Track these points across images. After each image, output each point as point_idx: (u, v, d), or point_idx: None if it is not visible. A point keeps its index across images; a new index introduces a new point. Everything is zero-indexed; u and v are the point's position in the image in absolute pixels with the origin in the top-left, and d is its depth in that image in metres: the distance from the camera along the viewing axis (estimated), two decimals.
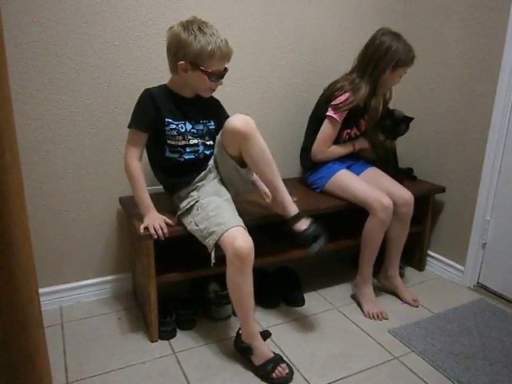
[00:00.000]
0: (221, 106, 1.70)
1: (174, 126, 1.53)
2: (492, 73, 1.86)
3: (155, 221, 1.48)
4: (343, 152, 1.96)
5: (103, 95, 1.71)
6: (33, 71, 1.58)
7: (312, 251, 1.48)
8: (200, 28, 1.43)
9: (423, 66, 2.17)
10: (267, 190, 1.61)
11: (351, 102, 1.82)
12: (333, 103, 1.84)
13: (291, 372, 1.44)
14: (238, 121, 1.42)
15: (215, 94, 1.62)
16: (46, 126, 1.65)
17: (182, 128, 1.55)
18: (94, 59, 1.66)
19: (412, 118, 1.97)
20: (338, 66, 1.92)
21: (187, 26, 1.45)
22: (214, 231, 1.40)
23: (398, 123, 1.95)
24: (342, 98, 1.83)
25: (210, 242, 1.41)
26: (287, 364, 1.45)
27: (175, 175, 1.57)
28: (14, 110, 0.48)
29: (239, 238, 1.36)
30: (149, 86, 1.55)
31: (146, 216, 1.51)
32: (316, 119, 1.94)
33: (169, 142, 1.53)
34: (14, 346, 0.49)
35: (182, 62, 1.46)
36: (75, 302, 1.85)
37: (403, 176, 2.07)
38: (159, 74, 1.76)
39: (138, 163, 1.53)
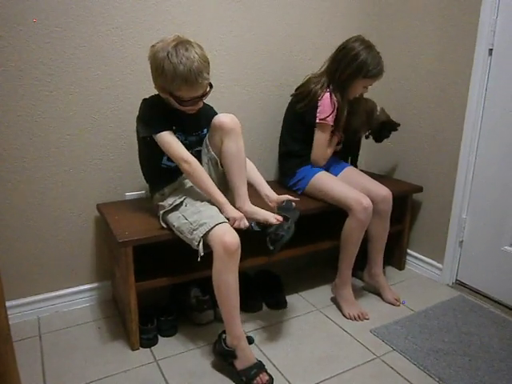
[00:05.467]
0: (213, 112, 1.66)
1: (177, 135, 1.53)
2: (464, 74, 1.90)
3: (238, 215, 1.48)
4: (334, 146, 1.95)
5: (78, 101, 1.69)
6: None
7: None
8: (168, 56, 1.38)
9: (399, 68, 2.21)
10: (268, 192, 1.60)
11: (334, 102, 1.83)
12: (320, 109, 1.83)
13: (271, 381, 1.43)
14: (225, 116, 1.50)
15: None
16: (20, 133, 1.62)
17: (178, 139, 1.53)
18: (67, 65, 1.64)
19: (397, 124, 2.02)
20: (315, 69, 1.93)
21: (161, 50, 1.40)
22: (205, 223, 1.41)
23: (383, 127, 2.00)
24: (326, 101, 1.83)
25: (198, 234, 1.41)
26: (269, 374, 1.43)
27: (165, 176, 1.58)
28: None
29: (228, 233, 1.39)
30: (146, 96, 1.55)
31: (228, 210, 1.48)
32: (301, 125, 1.92)
33: None
34: None
35: (156, 85, 1.49)
36: (54, 312, 1.81)
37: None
38: (135, 78, 1.75)
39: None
